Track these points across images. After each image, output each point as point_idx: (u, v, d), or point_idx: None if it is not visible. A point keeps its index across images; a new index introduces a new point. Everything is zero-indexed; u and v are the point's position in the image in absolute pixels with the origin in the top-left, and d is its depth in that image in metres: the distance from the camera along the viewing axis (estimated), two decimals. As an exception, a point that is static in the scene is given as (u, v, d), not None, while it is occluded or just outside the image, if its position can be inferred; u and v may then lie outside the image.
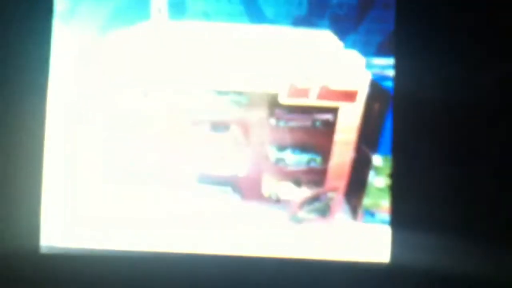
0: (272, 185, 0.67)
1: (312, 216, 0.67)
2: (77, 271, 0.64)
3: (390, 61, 0.65)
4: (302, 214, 0.67)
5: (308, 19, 0.66)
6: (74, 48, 0.65)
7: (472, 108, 0.67)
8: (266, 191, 0.67)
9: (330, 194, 0.67)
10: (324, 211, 0.67)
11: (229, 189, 0.67)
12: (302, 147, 0.66)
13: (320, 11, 0.65)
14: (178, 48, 0.66)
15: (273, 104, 0.65)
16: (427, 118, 0.66)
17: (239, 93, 0.65)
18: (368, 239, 0.65)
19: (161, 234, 0.67)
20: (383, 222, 0.65)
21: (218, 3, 0.65)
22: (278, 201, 0.67)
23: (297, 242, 0.67)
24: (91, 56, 0.65)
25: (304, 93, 0.65)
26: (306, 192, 0.67)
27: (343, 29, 0.66)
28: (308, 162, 0.67)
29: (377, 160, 0.65)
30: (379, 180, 0.66)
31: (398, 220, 0.65)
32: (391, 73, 0.65)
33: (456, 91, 0.66)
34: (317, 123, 0.66)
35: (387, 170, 0.65)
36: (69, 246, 0.65)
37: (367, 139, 0.66)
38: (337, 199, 0.67)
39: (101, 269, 0.65)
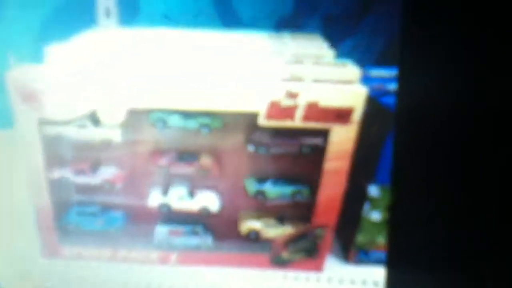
0: (251, 222, 0.58)
1: (298, 256, 0.58)
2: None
3: (392, 73, 0.53)
4: (286, 254, 0.58)
5: (294, 20, 0.51)
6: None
7: (493, 128, 0.51)
8: (243, 229, 0.58)
9: (318, 232, 0.56)
10: (312, 251, 0.57)
11: (200, 228, 0.58)
12: (286, 178, 0.56)
13: (310, 9, 0.50)
14: (132, 62, 0.53)
15: (251, 127, 0.53)
16: (436, 141, 0.51)
17: (210, 115, 0.53)
18: (362, 281, 0.52)
19: (127, 280, 0.58)
20: (379, 261, 0.56)
21: (182, 2, 0.50)
22: (258, 240, 0.57)
23: (281, 285, 0.58)
24: (25, 78, 0.51)
25: (288, 113, 0.52)
26: (290, 229, 0.57)
27: (336, 33, 0.54)
28: (293, 195, 0.56)
29: (374, 191, 0.55)
30: (375, 214, 0.56)
31: (396, 259, 0.53)
32: (393, 87, 0.53)
33: (473, 108, 0.51)
34: (304, 149, 0.54)
35: (385, 202, 0.54)
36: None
37: (363, 167, 0.54)
38: (326, 237, 0.57)
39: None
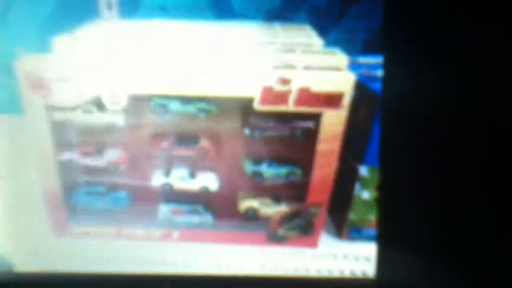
0: (248, 202, 0.60)
1: (294, 233, 0.60)
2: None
3: (379, 59, 0.53)
4: (282, 231, 0.60)
5: (283, 13, 0.56)
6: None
7: (471, 112, 0.55)
8: (242, 208, 0.60)
9: (312, 210, 0.59)
10: (306, 228, 0.60)
11: (200, 207, 0.61)
12: (280, 159, 0.58)
13: (297, 3, 0.54)
14: (133, 51, 0.55)
15: (247, 112, 0.55)
16: (419, 123, 0.54)
17: (208, 100, 0.56)
18: (354, 256, 0.54)
19: (131, 257, 0.61)
20: (370, 238, 0.57)
21: None
22: (255, 218, 0.60)
23: (277, 261, 0.60)
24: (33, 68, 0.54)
25: (282, 98, 0.54)
26: (286, 208, 0.59)
27: (323, 24, 0.56)
28: (288, 175, 0.58)
29: (364, 171, 0.58)
30: (365, 193, 0.58)
31: (386, 235, 0.56)
32: (379, 73, 0.53)
33: (453, 93, 0.55)
34: (297, 132, 0.56)
35: (375, 181, 0.56)
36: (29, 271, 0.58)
37: (353, 148, 0.56)
38: (320, 214, 0.59)
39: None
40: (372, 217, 0.57)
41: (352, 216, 0.58)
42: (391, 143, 0.55)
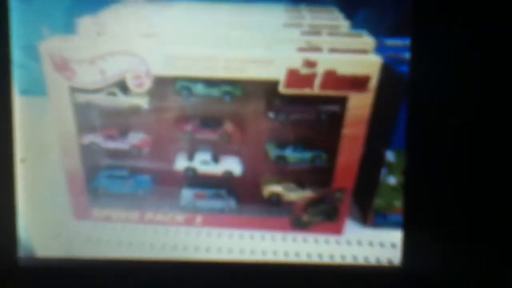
0: (272, 186, 0.58)
1: (318, 219, 0.58)
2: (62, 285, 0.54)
3: (406, 42, 0.51)
4: (306, 217, 0.58)
5: None
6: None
7: (501, 95, 0.53)
8: (265, 193, 0.59)
9: (337, 195, 0.57)
10: (331, 214, 0.58)
11: (223, 191, 0.60)
12: (305, 144, 0.57)
13: None
14: (157, 33, 0.54)
15: (272, 95, 0.54)
16: (447, 106, 0.53)
17: (232, 83, 0.55)
18: (380, 243, 0.57)
19: (154, 242, 0.59)
20: (396, 224, 0.55)
21: None
22: (279, 203, 0.58)
23: (301, 247, 0.58)
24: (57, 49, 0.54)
25: (308, 81, 0.53)
26: (310, 193, 0.58)
27: (350, 5, 0.55)
28: (312, 160, 0.57)
29: (390, 156, 0.56)
30: (391, 178, 0.57)
31: (412, 222, 0.54)
32: (407, 56, 0.52)
33: (482, 77, 0.53)
34: (322, 116, 0.55)
35: (401, 166, 0.54)
36: (51, 256, 0.56)
37: (379, 133, 0.55)
38: (345, 200, 0.58)
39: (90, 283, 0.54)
40: (398, 203, 0.56)
41: (377, 202, 0.57)
42: (418, 127, 0.54)
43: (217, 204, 0.56)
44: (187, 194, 0.56)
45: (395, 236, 0.53)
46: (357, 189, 0.56)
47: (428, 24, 0.51)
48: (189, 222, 0.57)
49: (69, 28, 0.52)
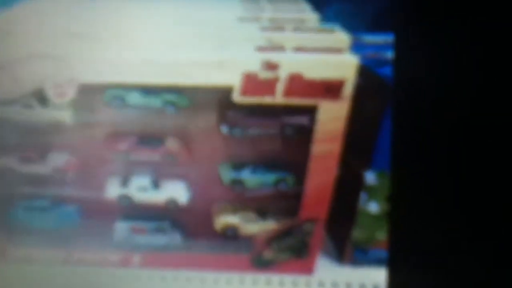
0: (227, 217, 0.50)
1: (284, 256, 0.50)
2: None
3: (389, 39, 0.44)
4: (269, 254, 0.50)
5: None
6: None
7: (502, 102, 0.43)
8: (218, 225, 0.50)
9: (306, 226, 0.49)
10: (300, 250, 0.49)
11: (166, 224, 0.50)
12: (267, 164, 0.49)
13: None
14: (82, 32, 0.45)
15: (225, 105, 0.46)
16: (440, 117, 0.44)
17: (176, 91, 0.46)
18: (359, 285, 0.51)
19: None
20: (379, 261, 0.49)
21: None
22: (236, 237, 0.50)
23: None
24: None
25: (268, 87, 0.44)
26: (274, 225, 0.49)
27: None
28: (276, 183, 0.49)
29: (371, 178, 0.48)
30: (372, 205, 0.49)
31: (398, 258, 0.46)
32: (390, 55, 0.44)
33: (482, 81, 0.43)
34: (287, 130, 0.47)
35: (384, 191, 0.47)
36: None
37: (357, 151, 0.47)
38: (317, 232, 0.49)
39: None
40: (381, 235, 0.49)
41: (356, 234, 0.50)
42: (406, 143, 0.45)
43: (159, 239, 0.47)
44: (122, 227, 0.48)
45: (378, 276, 0.47)
46: (331, 219, 0.48)
47: (416, 16, 0.43)
48: (125, 263, 0.49)
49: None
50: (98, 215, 0.49)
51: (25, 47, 0.44)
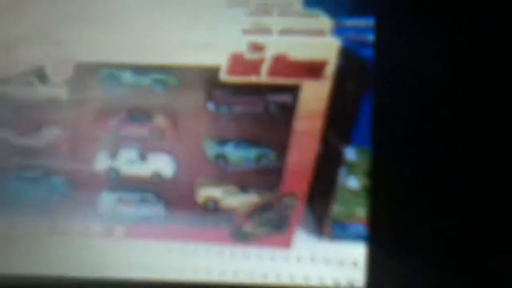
0: (209, 190, 0.50)
1: (264, 230, 0.50)
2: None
3: (370, 22, 0.46)
4: (249, 227, 0.50)
5: None
6: None
7: (478, 85, 0.44)
8: (200, 198, 0.50)
9: (287, 201, 0.49)
10: (280, 224, 0.50)
11: (150, 196, 0.51)
12: (250, 140, 0.49)
13: None
14: (79, 15, 0.46)
15: (211, 84, 0.47)
16: (419, 96, 0.45)
17: (165, 70, 0.47)
18: (338, 260, 0.43)
19: (65, 256, 0.50)
20: (358, 237, 0.48)
21: None
22: (216, 210, 0.50)
23: (241, 264, 0.50)
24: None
25: (253, 67, 0.46)
26: (255, 198, 0.50)
27: None
28: (258, 159, 0.49)
29: (350, 154, 0.48)
30: (352, 180, 0.49)
31: (378, 234, 0.46)
32: (370, 38, 0.46)
33: (459, 63, 0.45)
34: (271, 108, 0.48)
35: (365, 166, 0.47)
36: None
37: (338, 127, 0.48)
38: (297, 207, 0.49)
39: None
40: (361, 211, 0.48)
41: (336, 209, 0.49)
42: (385, 121, 0.46)
43: (143, 211, 0.48)
44: (108, 199, 0.49)
45: (357, 252, 0.47)
46: (312, 193, 0.49)
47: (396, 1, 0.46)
48: (109, 233, 0.51)
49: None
50: (86, 187, 0.51)
51: (26, 29, 0.46)
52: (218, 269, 0.50)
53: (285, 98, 0.48)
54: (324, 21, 0.47)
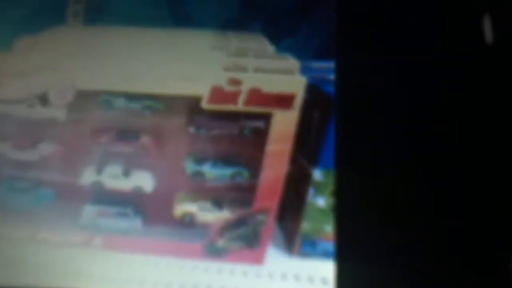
0: (186, 205, 0.51)
1: (236, 245, 0.50)
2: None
3: (331, 65, 0.49)
4: (222, 242, 0.51)
5: (239, 22, 0.50)
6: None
7: (425, 112, 0.48)
8: (178, 212, 0.52)
9: (259, 217, 0.51)
10: (251, 239, 0.50)
11: (129, 209, 0.52)
12: (225, 159, 0.52)
13: (253, 13, 0.50)
14: (86, 51, 0.49)
15: (194, 110, 0.52)
16: (376, 125, 0.46)
17: (154, 97, 0.51)
18: (308, 277, 0.43)
19: (43, 264, 0.47)
20: (327, 254, 0.48)
21: (142, 8, 0.50)
22: (193, 225, 0.50)
23: (214, 279, 0.48)
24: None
25: (231, 97, 0.51)
26: (228, 214, 0.51)
27: (278, 32, 0.53)
28: (233, 176, 0.52)
29: (318, 175, 0.50)
30: (320, 199, 0.50)
31: (345, 251, 0.44)
32: (332, 77, 0.49)
33: (406, 96, 0.47)
34: (246, 131, 0.52)
35: (330, 186, 0.50)
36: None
37: (306, 150, 0.52)
38: (268, 223, 0.50)
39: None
40: (329, 228, 0.51)
41: (305, 226, 0.53)
42: (348, 146, 0.57)
43: (122, 223, 0.49)
44: (90, 211, 0.50)
45: (326, 268, 0.48)
46: (282, 211, 0.53)
47: (352, 46, 0.51)
48: (87, 243, 0.51)
49: (8, 46, 0.52)
50: (71, 199, 0.55)
51: (41, 60, 0.55)
52: (191, 283, 0.49)
53: (258, 123, 0.57)
54: (293, 62, 0.60)
